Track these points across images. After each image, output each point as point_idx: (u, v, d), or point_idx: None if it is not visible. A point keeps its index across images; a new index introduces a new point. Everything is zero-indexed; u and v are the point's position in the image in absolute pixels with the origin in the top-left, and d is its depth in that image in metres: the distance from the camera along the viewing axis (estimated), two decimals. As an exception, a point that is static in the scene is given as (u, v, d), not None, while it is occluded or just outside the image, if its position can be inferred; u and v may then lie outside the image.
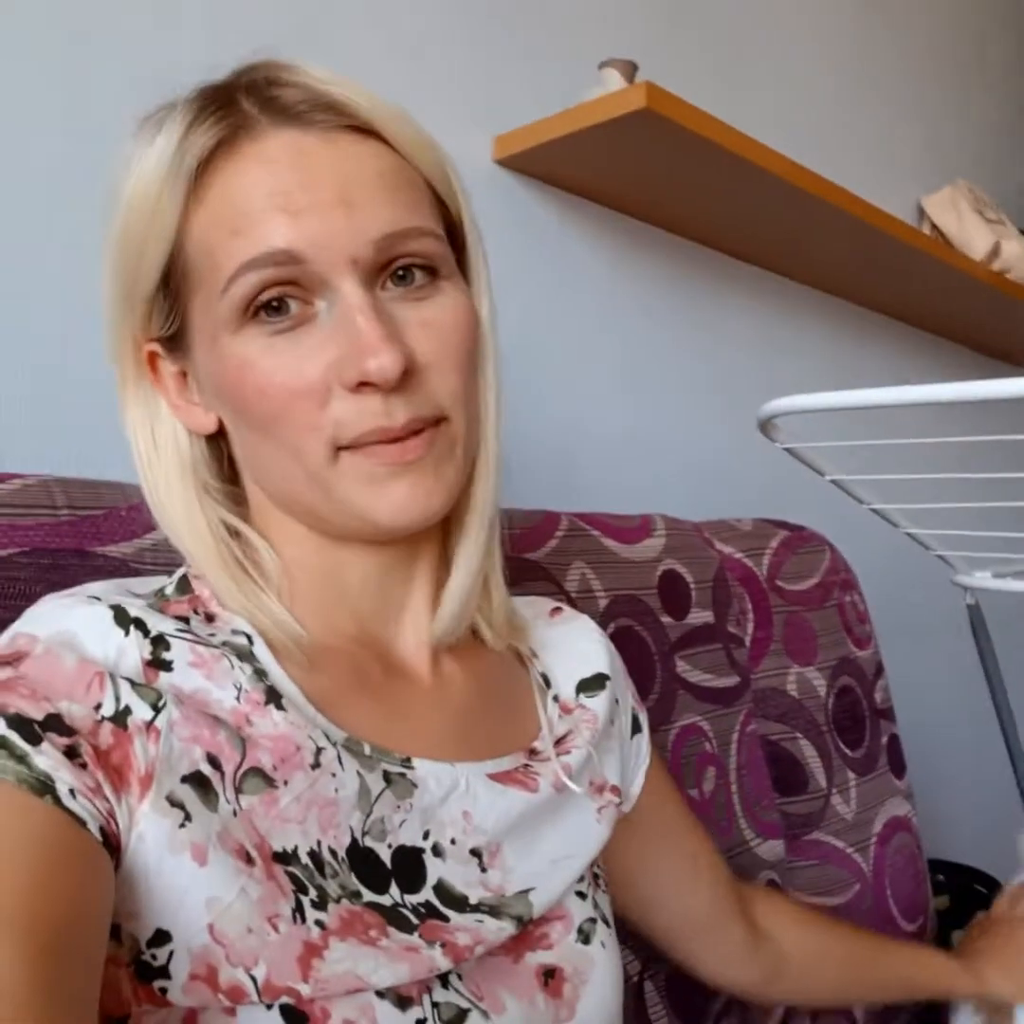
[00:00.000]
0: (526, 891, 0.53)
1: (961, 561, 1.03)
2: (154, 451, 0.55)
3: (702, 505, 1.25)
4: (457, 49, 1.10)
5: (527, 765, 0.57)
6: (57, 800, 0.39)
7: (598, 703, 0.65)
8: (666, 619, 1.00)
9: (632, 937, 0.84)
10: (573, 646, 0.68)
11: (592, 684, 0.66)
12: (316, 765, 0.48)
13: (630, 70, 1.09)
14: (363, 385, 0.47)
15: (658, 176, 1.12)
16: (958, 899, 1.56)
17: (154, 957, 0.42)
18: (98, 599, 0.48)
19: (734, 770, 1.03)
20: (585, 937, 0.56)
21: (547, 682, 0.65)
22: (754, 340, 1.53)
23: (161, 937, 0.42)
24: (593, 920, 0.58)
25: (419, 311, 0.50)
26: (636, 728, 0.70)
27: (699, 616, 1.04)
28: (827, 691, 1.17)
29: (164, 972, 0.42)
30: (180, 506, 0.54)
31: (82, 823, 0.40)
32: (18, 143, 0.79)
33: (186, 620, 0.50)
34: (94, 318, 0.54)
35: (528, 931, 0.54)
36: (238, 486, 0.57)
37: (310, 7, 0.98)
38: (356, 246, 0.47)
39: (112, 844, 0.41)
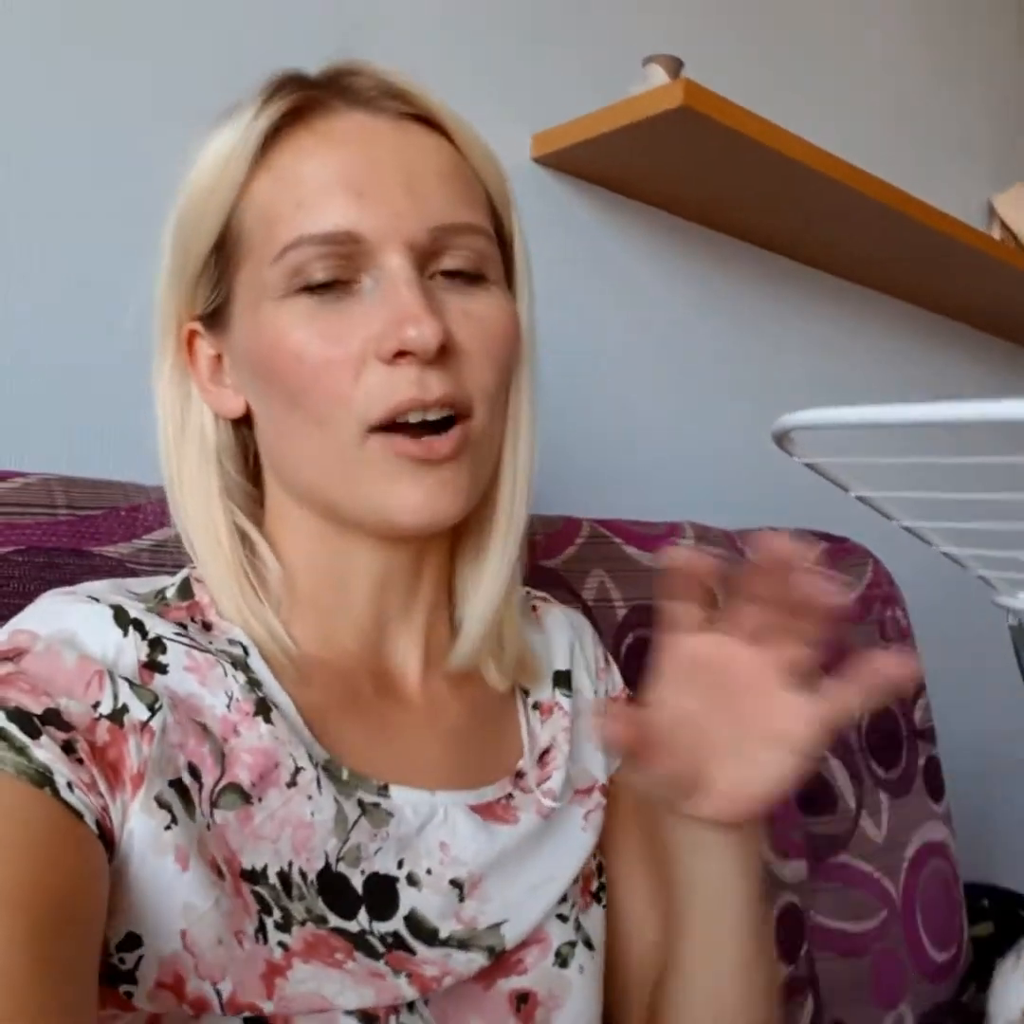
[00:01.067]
0: (498, 924, 0.52)
1: (1003, 582, 0.98)
2: (181, 434, 0.55)
3: (748, 514, 1.22)
4: (497, 44, 1.08)
5: (511, 795, 0.56)
6: (55, 792, 0.40)
7: (566, 699, 0.63)
8: (689, 630, 0.98)
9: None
10: (549, 642, 0.66)
11: (561, 679, 0.64)
12: (292, 784, 0.48)
13: (675, 66, 1.06)
14: (400, 355, 0.47)
15: (700, 174, 1.09)
16: (1002, 925, 1.50)
17: (122, 961, 0.42)
18: (97, 599, 0.48)
19: (757, 787, 1.00)
20: (563, 961, 0.55)
21: (526, 691, 0.63)
22: (812, 344, 1.48)
23: (132, 941, 0.43)
24: (573, 944, 0.56)
25: (463, 302, 0.50)
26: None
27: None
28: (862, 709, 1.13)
29: (131, 977, 0.42)
30: (200, 498, 0.54)
31: (79, 816, 0.40)
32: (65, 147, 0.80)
33: (183, 626, 0.50)
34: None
35: (505, 955, 0.53)
36: (258, 487, 0.57)
37: (351, 2, 0.98)
38: (413, 231, 0.48)
39: (107, 838, 0.42)
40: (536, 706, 0.62)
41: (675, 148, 1.01)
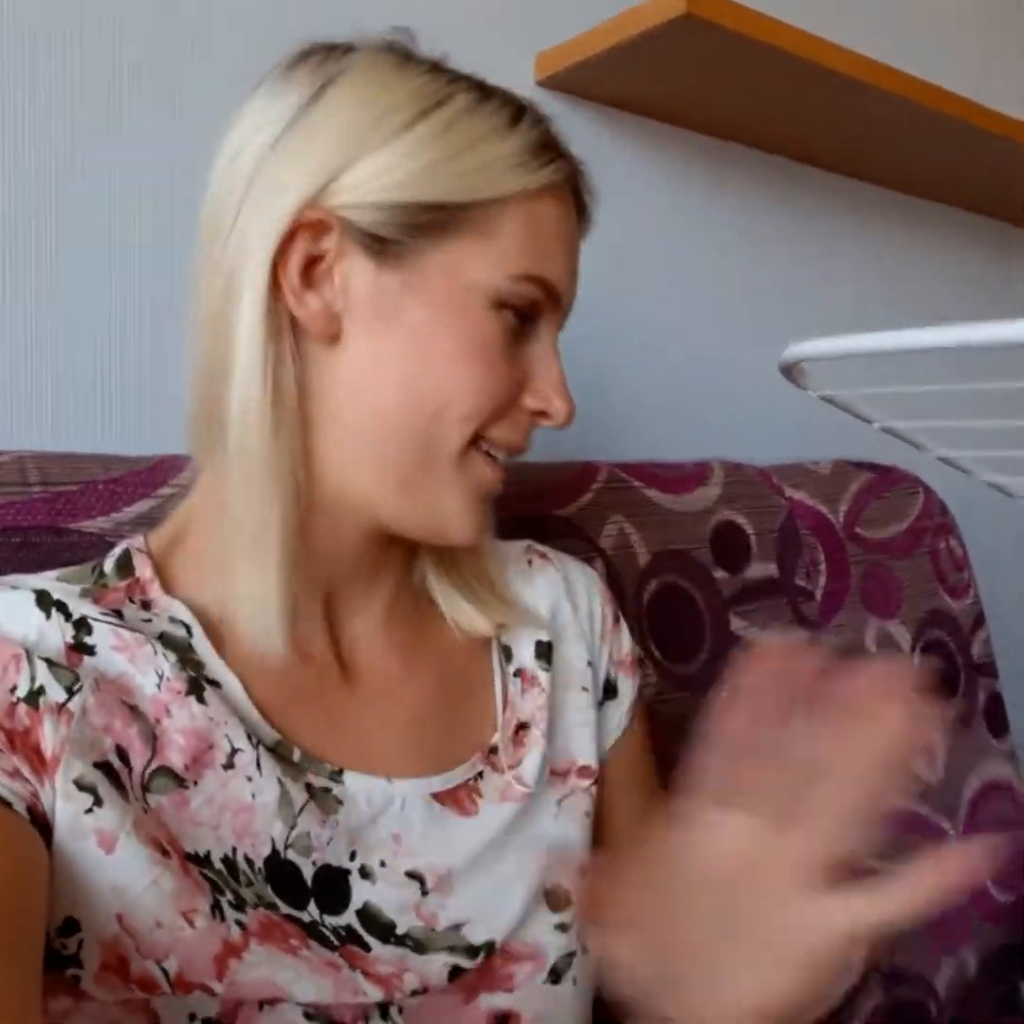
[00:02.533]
0: (460, 925, 0.50)
1: (1059, 507, 0.91)
2: (261, 357, 0.47)
3: (781, 448, 1.16)
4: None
5: (480, 775, 0.54)
6: None
7: (547, 673, 0.59)
8: (719, 574, 0.94)
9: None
10: (538, 602, 0.62)
11: (544, 650, 0.60)
12: (229, 766, 0.47)
13: (685, -32, 0.98)
14: (540, 415, 0.54)
15: (716, 87, 1.01)
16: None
17: (64, 946, 0.42)
18: (18, 587, 0.48)
19: (799, 732, 0.96)
20: (557, 976, 0.52)
21: (508, 655, 0.59)
22: (862, 260, 1.39)
23: (70, 926, 0.42)
24: (572, 954, 0.53)
25: None
26: (609, 694, 0.64)
27: (760, 569, 0.97)
28: (913, 646, 1.08)
29: (76, 960, 0.42)
30: (268, 432, 0.47)
31: (8, 804, 0.40)
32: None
33: (118, 612, 0.48)
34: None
35: (492, 968, 0.50)
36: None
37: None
38: (567, 309, 0.56)
39: (40, 823, 0.41)
40: (518, 674, 0.59)
41: (684, 60, 0.94)
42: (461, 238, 0.49)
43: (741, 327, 1.26)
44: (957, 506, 1.18)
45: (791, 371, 0.67)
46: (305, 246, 0.48)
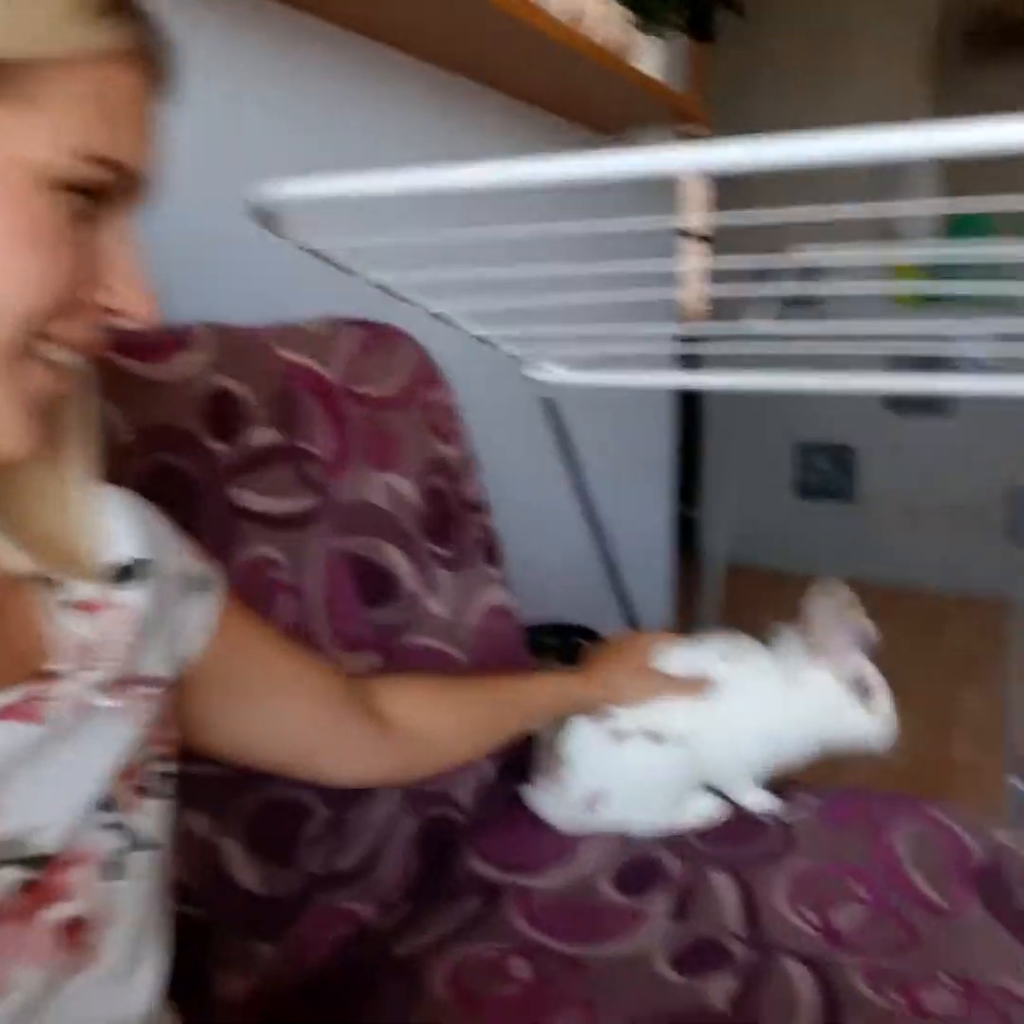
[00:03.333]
0: (21, 834, 0.47)
1: (531, 355, 0.99)
2: None
3: (249, 305, 1.11)
4: None
5: (35, 697, 0.50)
6: None
7: (138, 595, 0.57)
8: (216, 445, 0.88)
9: (201, 798, 0.78)
10: (108, 531, 0.58)
11: (128, 573, 0.57)
12: None
13: None
14: (114, 312, 0.48)
15: None
16: (565, 654, 1.71)
17: None
18: None
19: (315, 593, 0.97)
20: (116, 872, 0.52)
21: (55, 586, 0.54)
22: (310, 104, 1.34)
23: None
24: (127, 849, 0.53)
25: None
26: (193, 587, 0.65)
27: (259, 436, 0.94)
28: (416, 495, 1.13)
29: None
30: None
31: None
32: None
33: None
34: None
35: (43, 884, 0.48)
36: None
37: None
38: (146, 192, 0.49)
39: None
40: (74, 604, 0.54)
41: None
42: (3, 104, 0.42)
43: (187, 175, 1.16)
44: (447, 359, 1.23)
45: (265, 219, 0.62)
46: None
